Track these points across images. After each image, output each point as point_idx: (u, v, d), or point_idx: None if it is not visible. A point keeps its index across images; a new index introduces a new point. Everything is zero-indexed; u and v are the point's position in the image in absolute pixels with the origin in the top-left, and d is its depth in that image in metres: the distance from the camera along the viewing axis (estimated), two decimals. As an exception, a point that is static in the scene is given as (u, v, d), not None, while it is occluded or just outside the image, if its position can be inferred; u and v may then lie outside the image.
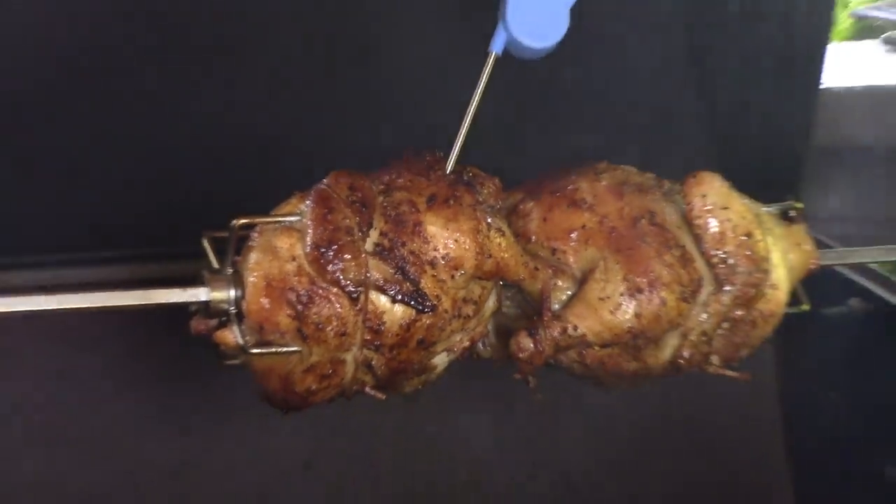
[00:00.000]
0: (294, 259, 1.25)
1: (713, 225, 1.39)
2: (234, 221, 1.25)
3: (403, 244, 1.29)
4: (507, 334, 1.37)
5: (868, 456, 1.77)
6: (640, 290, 1.35)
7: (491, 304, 1.39)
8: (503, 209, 1.39)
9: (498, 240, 1.33)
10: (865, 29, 3.98)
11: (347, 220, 1.27)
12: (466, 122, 1.34)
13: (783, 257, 1.44)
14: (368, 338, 1.29)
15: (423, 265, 1.29)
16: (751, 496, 1.98)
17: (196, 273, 1.27)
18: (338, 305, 1.25)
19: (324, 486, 1.88)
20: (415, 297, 1.29)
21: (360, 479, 1.89)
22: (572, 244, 1.38)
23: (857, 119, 2.47)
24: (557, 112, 1.85)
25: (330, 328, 1.25)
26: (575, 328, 1.35)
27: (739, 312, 1.41)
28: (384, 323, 1.29)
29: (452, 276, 1.30)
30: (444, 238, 1.30)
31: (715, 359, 1.43)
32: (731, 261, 1.38)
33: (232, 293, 1.25)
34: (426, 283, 1.29)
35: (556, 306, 1.37)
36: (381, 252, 1.28)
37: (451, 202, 1.31)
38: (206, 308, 1.25)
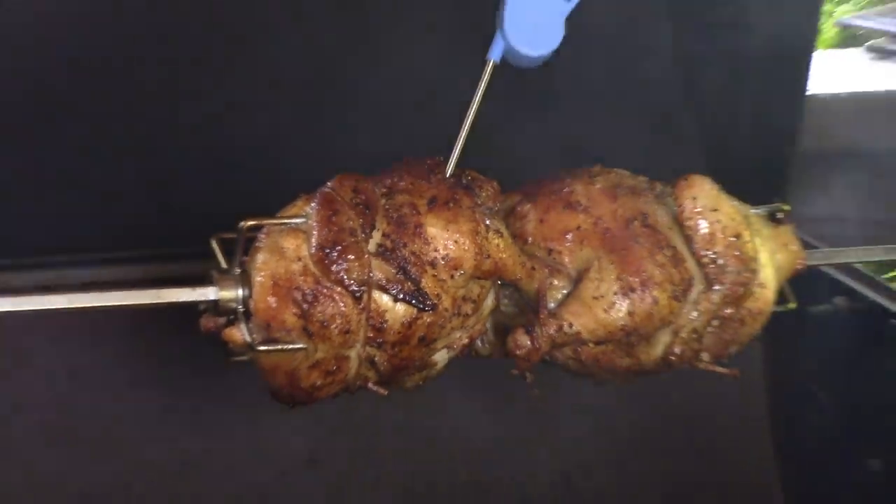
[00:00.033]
0: (300, 259, 1.26)
1: (703, 226, 1.39)
2: (242, 223, 1.25)
3: (405, 245, 1.29)
4: (505, 332, 1.37)
5: (852, 449, 1.77)
6: (633, 289, 1.35)
7: (489, 302, 1.39)
8: (501, 211, 1.40)
9: (496, 241, 1.33)
10: (850, 37, 3.99)
11: (351, 222, 1.28)
12: (466, 127, 1.35)
13: (771, 257, 1.45)
14: (371, 335, 1.29)
15: (424, 265, 1.29)
16: (741, 488, 1.99)
17: (205, 273, 1.27)
18: (342, 304, 1.26)
19: (326, 483, 1.88)
20: (416, 296, 1.29)
21: (362, 476, 1.89)
22: (568, 245, 1.38)
23: (843, 124, 2.47)
24: (553, 118, 1.85)
25: (334, 326, 1.26)
26: (570, 326, 1.35)
27: (729, 310, 1.41)
28: (387, 321, 1.29)
29: (452, 276, 1.31)
30: (444, 239, 1.30)
31: (705, 355, 1.44)
32: (720, 261, 1.39)
33: (240, 292, 1.25)
34: (427, 283, 1.29)
35: (552, 305, 1.38)
36: (383, 253, 1.29)
37: (451, 204, 1.32)
38: (214, 307, 1.26)
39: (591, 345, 1.38)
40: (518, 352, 1.34)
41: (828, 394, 1.85)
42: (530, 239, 1.39)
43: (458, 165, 1.36)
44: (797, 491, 1.97)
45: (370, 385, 1.35)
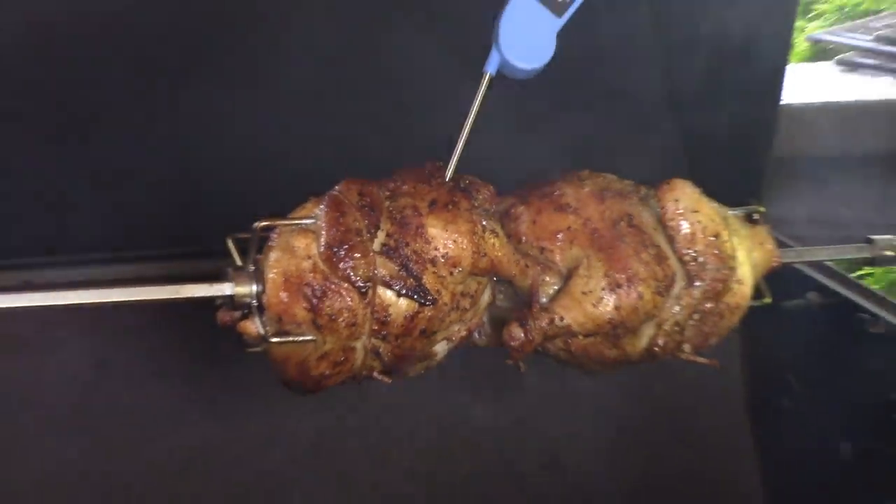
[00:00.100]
0: (309, 257, 1.26)
1: (685, 226, 1.40)
2: (256, 224, 1.26)
3: (407, 244, 1.29)
4: (501, 325, 1.38)
5: (823, 433, 1.77)
6: (619, 285, 1.35)
7: (486, 297, 1.40)
8: (497, 213, 1.40)
9: (492, 240, 1.34)
10: (820, 51, 3.98)
11: (357, 223, 1.28)
12: (464, 135, 1.35)
13: (748, 255, 1.45)
14: (376, 328, 1.29)
15: (425, 263, 1.30)
16: (719, 470, 1.99)
17: (221, 270, 1.27)
18: (349, 299, 1.26)
19: (335, 466, 1.88)
20: (417, 292, 1.29)
21: (368, 459, 1.89)
22: (559, 244, 1.38)
23: (814, 132, 2.48)
24: (545, 126, 1.85)
25: (342, 319, 1.26)
26: (561, 319, 1.35)
27: (709, 305, 1.41)
28: (390, 315, 1.29)
29: (451, 273, 1.31)
30: (443, 239, 1.30)
31: (687, 347, 1.44)
32: (701, 259, 1.39)
33: (254, 288, 1.26)
34: (428, 279, 1.30)
35: (544, 300, 1.38)
36: (387, 251, 1.29)
37: (450, 206, 1.32)
38: (230, 301, 1.26)
39: (580, 337, 1.38)
40: (512, 343, 1.34)
41: (801, 382, 1.85)
42: (524, 238, 1.39)
43: (456, 170, 1.36)
44: (773, 473, 1.97)
45: (375, 374, 1.35)
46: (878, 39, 3.10)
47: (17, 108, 1.69)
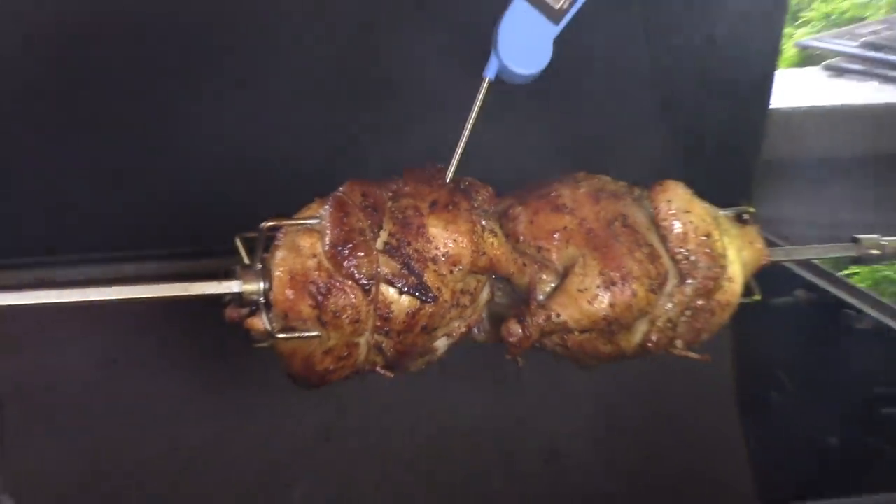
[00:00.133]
0: (315, 256, 1.26)
1: (677, 226, 1.39)
2: (263, 224, 1.26)
3: (409, 243, 1.29)
4: (499, 321, 1.37)
5: (811, 426, 1.77)
6: (613, 283, 1.35)
7: (485, 295, 1.39)
8: (495, 213, 1.40)
9: (491, 239, 1.33)
10: (808, 57, 3.98)
11: (361, 223, 1.28)
12: (464, 138, 1.35)
13: (738, 254, 1.45)
14: (379, 324, 1.29)
15: (426, 261, 1.29)
16: (710, 461, 1.99)
17: (229, 268, 1.27)
18: (352, 296, 1.26)
19: (339, 456, 1.88)
20: (419, 289, 1.29)
21: (371, 450, 1.89)
22: (555, 243, 1.38)
23: (802, 135, 2.48)
24: (542, 129, 1.85)
25: (346, 316, 1.26)
26: (557, 316, 1.35)
27: (700, 302, 1.41)
28: (392, 311, 1.29)
29: (451, 271, 1.31)
30: (444, 238, 1.30)
31: (679, 342, 1.44)
32: (692, 257, 1.39)
33: (261, 285, 1.26)
34: (429, 277, 1.29)
35: (542, 297, 1.37)
36: (389, 250, 1.29)
37: (451, 207, 1.32)
38: (238, 298, 1.26)
39: (576, 333, 1.38)
40: (511, 339, 1.34)
41: (789, 377, 1.85)
42: (521, 238, 1.39)
43: (456, 172, 1.36)
44: (762, 464, 1.96)
45: (378, 369, 1.35)
46: (864, 45, 3.10)
47: (24, 110, 1.69)
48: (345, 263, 1.25)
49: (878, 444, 1.65)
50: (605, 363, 1.45)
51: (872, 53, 3.06)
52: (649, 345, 1.41)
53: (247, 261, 1.28)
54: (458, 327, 1.38)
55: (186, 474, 1.81)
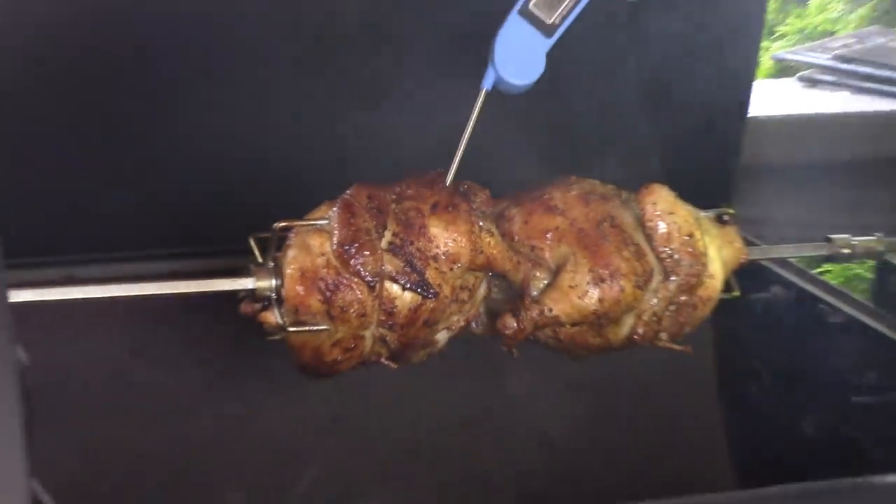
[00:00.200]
0: (323, 255, 1.26)
1: (662, 227, 1.40)
2: (276, 225, 1.26)
3: (412, 243, 1.29)
4: (496, 315, 1.38)
5: (787, 413, 1.77)
6: (602, 280, 1.35)
7: (482, 290, 1.39)
8: (492, 214, 1.40)
9: (488, 239, 1.33)
10: (784, 69, 3.97)
11: (366, 224, 1.28)
12: (462, 145, 1.35)
13: (718, 253, 1.45)
14: (383, 318, 1.29)
15: (428, 260, 1.29)
16: (692, 446, 1.99)
17: (244, 266, 1.28)
18: (358, 292, 1.26)
19: (346, 441, 1.88)
20: (421, 286, 1.29)
21: (376, 435, 1.89)
22: (548, 242, 1.38)
23: (779, 142, 2.48)
24: (535, 135, 1.85)
25: (352, 310, 1.26)
26: (550, 310, 1.35)
27: (683, 297, 1.41)
28: (396, 306, 1.29)
29: (451, 269, 1.31)
30: (444, 238, 1.30)
31: (664, 335, 1.44)
32: (676, 256, 1.39)
33: (273, 282, 1.26)
34: (430, 274, 1.30)
35: (535, 293, 1.38)
36: (393, 249, 1.29)
37: (450, 209, 1.32)
38: (252, 294, 1.27)
39: (567, 326, 1.38)
40: (506, 332, 1.34)
41: (766, 367, 1.85)
42: (516, 237, 1.39)
43: (456, 176, 1.36)
44: (741, 448, 1.97)
45: (382, 360, 1.35)
46: (836, 58, 3.10)
47: (41, 112, 1.69)
48: (352, 261, 1.25)
49: (849, 431, 1.65)
50: (595, 354, 1.45)
51: (843, 65, 3.06)
52: (636, 337, 1.41)
53: (260, 259, 1.29)
54: (458, 321, 1.38)
55: (200, 460, 1.81)
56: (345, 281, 1.26)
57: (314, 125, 1.80)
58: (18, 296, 1.11)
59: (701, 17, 1.85)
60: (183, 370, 1.81)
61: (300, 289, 1.25)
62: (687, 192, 1.45)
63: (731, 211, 1.50)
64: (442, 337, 1.39)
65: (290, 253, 1.27)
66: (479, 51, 1.34)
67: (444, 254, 1.30)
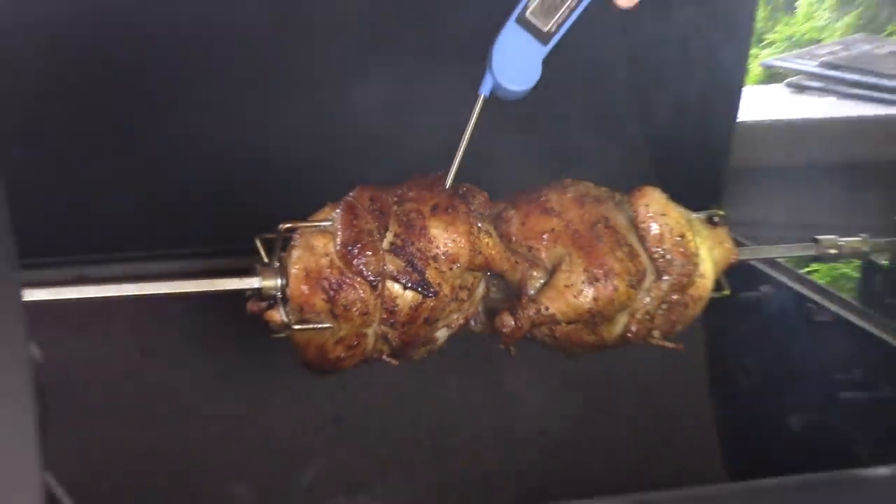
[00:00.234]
0: (327, 255, 1.26)
1: (654, 228, 1.39)
2: (281, 226, 1.26)
3: (412, 243, 1.29)
4: (494, 314, 1.38)
5: (775, 408, 1.77)
6: (597, 279, 1.35)
7: (481, 290, 1.39)
8: (490, 216, 1.40)
9: (486, 239, 1.33)
10: (772, 75, 3.98)
11: (369, 225, 1.28)
12: (461, 149, 1.35)
13: (709, 253, 1.45)
14: (385, 316, 1.29)
15: (428, 260, 1.29)
16: (684, 439, 1.99)
17: (250, 266, 1.28)
18: (361, 291, 1.26)
19: (349, 436, 1.89)
20: (421, 285, 1.29)
21: (377, 430, 1.89)
22: (544, 243, 1.38)
23: (767, 145, 2.48)
24: (532, 141, 1.85)
25: (355, 309, 1.26)
26: (546, 309, 1.35)
27: (675, 296, 1.41)
28: (397, 305, 1.29)
29: (451, 268, 1.31)
30: (444, 238, 1.30)
31: (656, 333, 1.44)
32: (668, 256, 1.39)
33: (279, 282, 1.26)
34: (430, 274, 1.30)
35: (532, 292, 1.38)
36: (395, 249, 1.29)
37: (450, 210, 1.32)
38: (258, 293, 1.27)
39: (563, 324, 1.38)
40: (504, 330, 1.34)
41: (756, 363, 1.85)
42: (514, 238, 1.39)
43: (455, 179, 1.36)
44: (731, 442, 1.97)
45: (384, 357, 1.35)
46: (822, 65, 3.10)
47: (56, 116, 1.69)
48: (354, 261, 1.25)
49: (835, 425, 1.65)
50: (590, 352, 1.45)
51: (830, 72, 3.06)
52: (629, 335, 1.41)
53: (266, 259, 1.29)
54: (457, 319, 1.38)
55: (207, 454, 1.81)
56: (348, 280, 1.26)
57: (318, 129, 1.81)
58: (32, 295, 1.11)
59: (692, 26, 1.85)
60: (191, 366, 1.82)
61: (305, 288, 1.25)
62: (679, 194, 1.45)
63: (721, 213, 1.50)
64: (442, 334, 1.39)
65: (295, 253, 1.27)
66: (478, 58, 1.34)
67: (443, 254, 1.30)
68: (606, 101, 2.00)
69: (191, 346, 1.81)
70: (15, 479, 0.82)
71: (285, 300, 1.26)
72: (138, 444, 1.77)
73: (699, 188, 1.82)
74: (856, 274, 1.88)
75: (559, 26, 1.30)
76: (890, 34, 5.37)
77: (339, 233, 1.26)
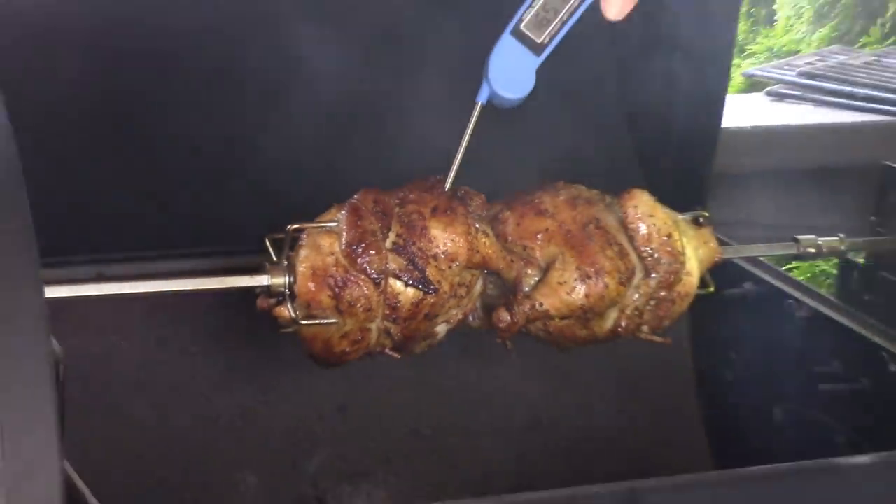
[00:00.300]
0: (333, 254, 1.26)
1: (643, 228, 1.39)
2: (289, 227, 1.26)
3: (413, 243, 1.29)
4: (491, 310, 1.37)
5: (759, 400, 1.77)
6: (588, 277, 1.35)
7: (478, 287, 1.39)
8: (487, 217, 1.39)
9: (483, 239, 1.33)
10: (753, 85, 3.98)
11: (372, 225, 1.28)
12: (460, 153, 1.34)
13: (695, 252, 1.44)
14: (388, 312, 1.29)
15: (428, 258, 1.29)
16: (671, 431, 1.99)
17: (260, 264, 1.28)
18: (365, 288, 1.26)
19: (353, 425, 1.88)
20: (422, 282, 1.29)
21: (381, 419, 1.89)
22: (538, 243, 1.38)
23: (749, 150, 2.48)
24: (526, 146, 1.85)
25: (359, 305, 1.26)
26: (541, 305, 1.34)
27: (663, 293, 1.40)
28: (399, 301, 1.29)
29: (450, 267, 1.30)
30: (443, 238, 1.30)
31: (645, 328, 1.43)
32: (656, 255, 1.39)
33: (287, 279, 1.25)
34: (430, 272, 1.29)
35: (527, 289, 1.37)
36: (397, 249, 1.29)
37: (449, 212, 1.32)
38: (267, 290, 1.26)
39: (556, 319, 1.38)
40: (500, 325, 1.34)
41: (740, 357, 1.85)
42: (509, 238, 1.39)
43: (454, 182, 1.36)
44: (717, 433, 1.97)
45: (387, 350, 1.35)
46: (800, 75, 3.11)
47: (68, 119, 1.69)
48: (359, 260, 1.25)
49: (815, 416, 1.65)
50: (582, 346, 1.45)
51: (808, 81, 3.07)
52: (619, 330, 1.41)
53: (275, 258, 1.28)
54: (456, 315, 1.37)
55: (226, 435, 1.81)
56: (352, 278, 1.25)
57: (324, 136, 1.81)
58: (53, 292, 1.10)
59: (677, 37, 1.85)
60: (203, 359, 1.81)
61: (311, 285, 1.24)
62: (666, 196, 1.45)
63: (706, 214, 1.50)
64: (441, 329, 1.38)
65: (303, 252, 1.26)
66: (475, 68, 1.34)
67: (443, 253, 1.29)
68: (597, 109, 2.00)
69: (203, 339, 1.81)
70: (36, 467, 0.82)
71: (293, 297, 1.25)
72: (151, 433, 1.77)
73: (685, 191, 1.82)
74: (835, 270, 1.88)
75: (552, 38, 1.30)
76: (863, 46, 5.38)
77: (344, 233, 1.26)
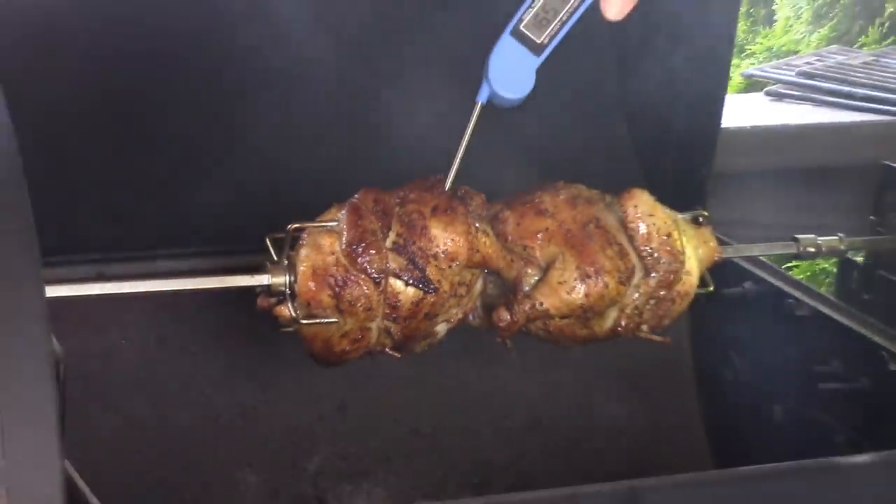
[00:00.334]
0: (333, 254, 1.26)
1: (642, 228, 1.39)
2: (290, 226, 1.26)
3: (414, 242, 1.29)
4: (491, 309, 1.37)
5: (759, 399, 1.77)
6: (588, 276, 1.35)
7: (478, 286, 1.39)
8: (487, 216, 1.39)
9: (483, 239, 1.33)
10: (752, 85, 3.98)
11: (372, 225, 1.28)
12: (460, 153, 1.34)
13: (694, 251, 1.44)
14: (388, 311, 1.29)
15: (429, 258, 1.29)
16: (671, 430, 1.99)
17: (260, 264, 1.28)
18: (365, 288, 1.26)
19: (353, 423, 1.88)
20: (422, 282, 1.29)
21: (381, 418, 1.89)
22: (538, 242, 1.38)
23: (748, 150, 2.48)
24: (526, 146, 1.85)
25: (360, 304, 1.26)
26: (541, 304, 1.34)
27: (662, 292, 1.40)
28: (400, 301, 1.29)
29: (450, 266, 1.30)
30: (443, 238, 1.30)
31: (645, 327, 1.43)
32: (656, 254, 1.39)
33: (287, 278, 1.26)
34: (431, 271, 1.29)
35: (527, 288, 1.37)
36: (397, 248, 1.28)
37: (449, 211, 1.31)
38: (268, 290, 1.26)
39: (556, 319, 1.37)
40: (500, 324, 1.34)
41: (739, 356, 1.85)
42: (509, 238, 1.39)
43: (454, 182, 1.35)
44: (717, 432, 1.97)
45: (387, 350, 1.35)
46: (799, 74, 3.11)
47: (76, 120, 1.69)
48: (359, 260, 1.25)
49: (815, 415, 1.65)
50: (582, 345, 1.45)
51: (806, 81, 3.07)
52: (619, 329, 1.41)
53: (275, 257, 1.28)
54: (456, 314, 1.37)
55: (226, 433, 1.81)
56: (353, 277, 1.25)
57: (326, 137, 1.81)
58: (54, 291, 1.10)
59: (677, 38, 1.85)
60: (203, 358, 1.81)
61: (312, 285, 1.24)
62: (665, 196, 1.45)
63: (705, 213, 1.50)
64: (441, 329, 1.38)
65: (303, 252, 1.26)
66: (476, 68, 1.34)
67: (443, 252, 1.29)
68: (597, 109, 2.00)
69: (204, 339, 1.81)
70: (36, 467, 0.82)
71: (293, 296, 1.25)
72: (151, 432, 1.76)
73: (685, 190, 1.82)
74: (834, 269, 1.88)
75: (552, 38, 1.30)
76: (862, 46, 5.38)
77: (345, 232, 1.26)
